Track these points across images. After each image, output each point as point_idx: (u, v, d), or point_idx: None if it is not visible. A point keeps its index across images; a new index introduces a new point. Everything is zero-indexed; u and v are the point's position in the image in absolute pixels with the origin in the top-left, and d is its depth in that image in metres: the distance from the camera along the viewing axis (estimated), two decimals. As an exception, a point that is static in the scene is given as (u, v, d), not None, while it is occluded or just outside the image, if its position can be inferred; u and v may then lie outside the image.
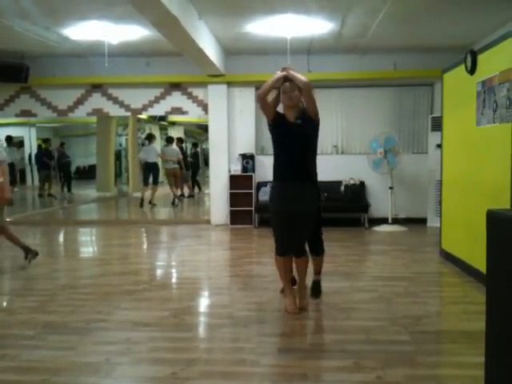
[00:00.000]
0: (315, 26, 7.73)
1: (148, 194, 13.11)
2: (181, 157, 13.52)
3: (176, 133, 19.79)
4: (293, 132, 4.34)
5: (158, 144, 16.03)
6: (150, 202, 12.98)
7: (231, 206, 9.68)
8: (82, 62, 9.78)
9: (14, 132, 17.11)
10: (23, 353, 3.65)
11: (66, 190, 16.98)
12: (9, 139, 15.05)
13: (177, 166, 13.32)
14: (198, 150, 17.95)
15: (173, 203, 13.24)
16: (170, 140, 13.88)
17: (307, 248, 4.70)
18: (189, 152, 18.69)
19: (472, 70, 5.58)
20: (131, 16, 6.66)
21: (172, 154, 13.24)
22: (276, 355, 3.60)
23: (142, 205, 12.76)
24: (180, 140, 15.23)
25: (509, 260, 2.15)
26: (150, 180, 13.25)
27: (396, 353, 3.56)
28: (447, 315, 4.69)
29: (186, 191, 15.42)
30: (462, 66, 5.80)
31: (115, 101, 10.22)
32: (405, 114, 9.97)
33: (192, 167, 16.58)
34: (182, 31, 6.43)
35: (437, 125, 8.23)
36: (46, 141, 16.83)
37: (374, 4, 6.64)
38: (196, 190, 16.51)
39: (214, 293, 5.42)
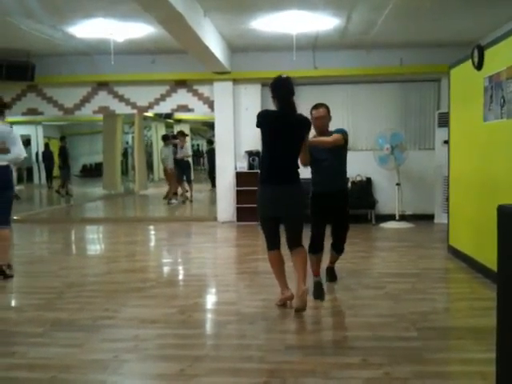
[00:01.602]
0: (321, 22, 7.71)
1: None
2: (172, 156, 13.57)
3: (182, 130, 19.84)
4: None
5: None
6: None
7: (238, 203, 9.68)
8: (88, 60, 9.78)
9: (21, 130, 17.11)
10: (31, 350, 3.66)
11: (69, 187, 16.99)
12: None
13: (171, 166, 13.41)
14: (214, 147, 18.00)
15: (169, 202, 13.33)
16: (164, 139, 13.99)
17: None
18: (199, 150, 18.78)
19: (479, 66, 5.54)
20: (136, 14, 6.66)
21: (166, 154, 13.52)
22: (283, 352, 3.59)
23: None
24: (173, 137, 14.59)
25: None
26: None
27: (403, 349, 3.55)
28: (455, 311, 4.67)
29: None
30: (469, 62, 5.76)
31: (121, 99, 10.24)
32: (411, 109, 9.92)
33: (209, 164, 16.73)
34: (187, 28, 6.43)
35: (444, 121, 8.19)
36: (62, 139, 16.76)
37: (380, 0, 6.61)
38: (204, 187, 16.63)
39: (220, 290, 5.42)
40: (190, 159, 14.30)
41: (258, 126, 4.39)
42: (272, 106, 4.51)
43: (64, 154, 15.86)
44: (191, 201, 13.48)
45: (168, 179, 13.83)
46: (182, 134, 13.88)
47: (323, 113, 4.92)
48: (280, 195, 4.33)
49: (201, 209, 13.14)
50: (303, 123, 4.43)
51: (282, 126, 4.31)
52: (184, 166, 13.36)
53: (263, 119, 4.38)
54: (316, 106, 4.97)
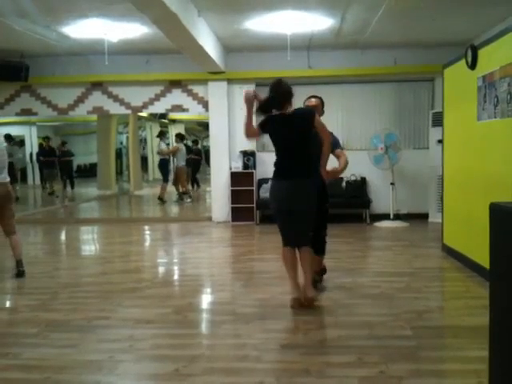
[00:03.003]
0: (315, 22, 7.71)
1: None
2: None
3: (177, 130, 19.83)
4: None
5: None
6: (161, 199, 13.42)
7: (232, 203, 9.67)
8: (82, 61, 9.75)
9: (15, 131, 17.02)
10: (26, 351, 3.65)
11: (68, 188, 16.92)
12: (9, 137, 14.92)
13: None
14: (199, 147, 17.94)
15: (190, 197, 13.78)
16: (183, 137, 14.31)
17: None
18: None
19: (473, 65, 5.56)
20: (131, 14, 6.64)
21: (184, 153, 13.85)
22: (279, 351, 3.60)
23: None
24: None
25: None
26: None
27: (399, 348, 3.56)
28: (449, 310, 4.69)
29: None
30: (463, 61, 5.79)
31: (115, 99, 10.21)
32: (405, 109, 9.95)
33: (192, 165, 16.71)
34: (181, 28, 6.42)
35: (438, 120, 8.22)
36: (44, 138, 16.67)
37: (374, -1, 6.63)
38: (193, 187, 16.60)
39: (216, 289, 5.42)
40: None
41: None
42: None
43: (49, 154, 15.79)
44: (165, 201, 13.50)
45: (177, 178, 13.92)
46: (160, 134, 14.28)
47: (315, 102, 4.94)
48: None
49: (190, 209, 13.17)
50: (303, 116, 4.48)
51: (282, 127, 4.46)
52: (163, 166, 13.64)
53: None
54: (309, 97, 5.03)
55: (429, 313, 4.36)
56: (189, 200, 13.63)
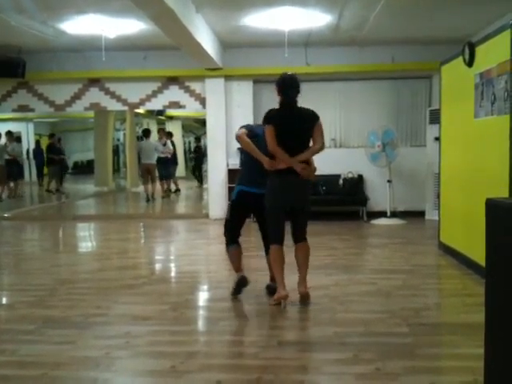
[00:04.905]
0: (313, 19, 7.72)
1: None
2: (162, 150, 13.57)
3: (174, 127, 19.83)
4: None
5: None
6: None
7: (229, 200, 9.65)
8: (79, 57, 9.73)
9: (12, 127, 17.05)
10: (23, 347, 3.65)
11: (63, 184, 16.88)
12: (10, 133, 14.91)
13: (154, 162, 13.28)
14: (201, 144, 17.94)
15: (147, 200, 12.85)
16: (146, 133, 13.48)
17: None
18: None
19: (470, 62, 5.56)
20: (128, 10, 6.63)
21: (150, 149, 13.17)
22: (276, 348, 3.60)
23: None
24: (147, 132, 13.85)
25: (508, 248, 2.14)
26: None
27: (395, 345, 3.56)
28: (446, 307, 4.70)
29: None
30: (460, 59, 5.79)
31: (112, 95, 10.19)
32: (403, 106, 9.97)
33: (195, 161, 16.79)
34: (179, 25, 6.41)
35: (435, 117, 8.22)
36: (50, 136, 16.59)
37: (372, -4, 6.63)
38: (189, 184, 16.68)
39: (212, 286, 5.42)
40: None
41: (267, 123, 4.41)
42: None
43: (53, 151, 15.73)
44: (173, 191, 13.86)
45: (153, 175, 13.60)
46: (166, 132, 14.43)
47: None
48: (293, 186, 4.46)
49: (188, 206, 13.15)
50: (310, 116, 4.48)
51: (291, 122, 4.41)
52: (163, 163, 13.62)
53: (273, 119, 4.40)
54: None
55: (425, 310, 4.37)
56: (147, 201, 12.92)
